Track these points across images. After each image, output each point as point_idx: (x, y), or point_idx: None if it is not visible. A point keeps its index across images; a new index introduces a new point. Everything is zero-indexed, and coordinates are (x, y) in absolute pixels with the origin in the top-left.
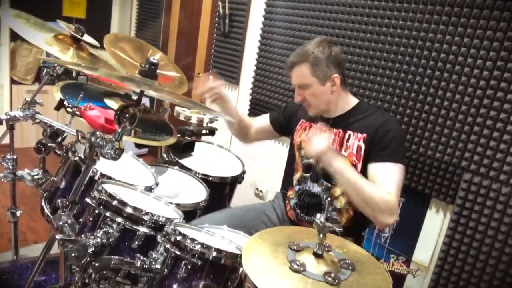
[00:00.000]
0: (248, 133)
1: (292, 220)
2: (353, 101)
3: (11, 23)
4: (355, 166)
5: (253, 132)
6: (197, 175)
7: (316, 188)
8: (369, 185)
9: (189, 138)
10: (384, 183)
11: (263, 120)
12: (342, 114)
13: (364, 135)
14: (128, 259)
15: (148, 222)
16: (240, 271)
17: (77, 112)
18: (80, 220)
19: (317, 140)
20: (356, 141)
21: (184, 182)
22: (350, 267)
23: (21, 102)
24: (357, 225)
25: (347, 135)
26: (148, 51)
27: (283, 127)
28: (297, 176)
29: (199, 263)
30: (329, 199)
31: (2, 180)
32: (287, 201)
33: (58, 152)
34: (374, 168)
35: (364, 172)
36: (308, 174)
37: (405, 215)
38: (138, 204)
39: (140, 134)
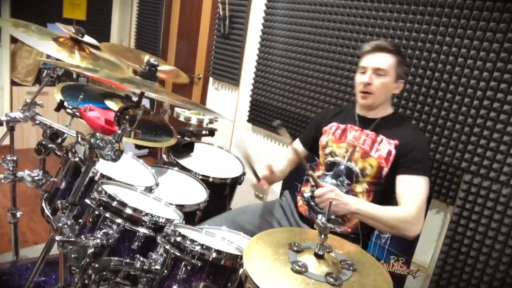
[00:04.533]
0: (290, 171)
1: (303, 216)
2: (390, 109)
3: (12, 32)
4: (381, 168)
5: (290, 165)
6: (197, 176)
7: (334, 184)
8: (385, 211)
9: (189, 139)
10: (407, 197)
11: (296, 148)
12: (380, 117)
13: (396, 141)
14: (127, 260)
15: (148, 223)
16: (240, 272)
17: (77, 114)
18: (80, 221)
19: (334, 204)
20: (387, 145)
21: (184, 183)
22: (351, 268)
23: (21, 103)
24: (366, 227)
25: (379, 139)
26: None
27: (313, 138)
28: (317, 173)
29: (199, 264)
30: (348, 194)
31: (3, 181)
32: (298, 197)
33: (58, 153)
34: (402, 181)
35: (390, 176)
36: (331, 172)
37: None
38: (138, 205)
39: (140, 135)
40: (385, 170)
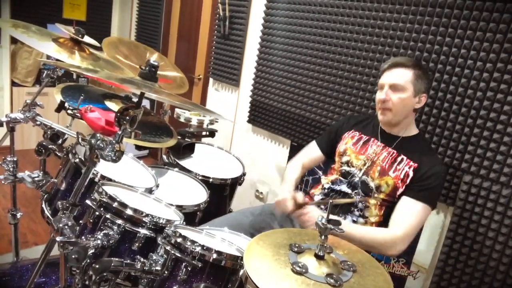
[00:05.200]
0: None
1: None
2: (415, 129)
3: (12, 33)
4: (397, 188)
5: (304, 170)
6: (197, 176)
7: (350, 192)
8: (367, 233)
9: (189, 140)
10: (398, 219)
11: (311, 152)
12: (403, 137)
13: (416, 164)
14: (128, 261)
15: (148, 224)
16: (241, 273)
17: (78, 114)
18: (80, 222)
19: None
20: (406, 167)
21: (184, 184)
22: (351, 269)
23: (21, 104)
24: None
25: (399, 159)
26: (146, 53)
27: (331, 143)
28: (331, 177)
29: (200, 265)
30: (361, 203)
31: (3, 182)
32: (307, 198)
33: (59, 154)
34: (403, 202)
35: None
36: (345, 179)
37: None
38: (138, 206)
39: (140, 136)
40: (400, 191)
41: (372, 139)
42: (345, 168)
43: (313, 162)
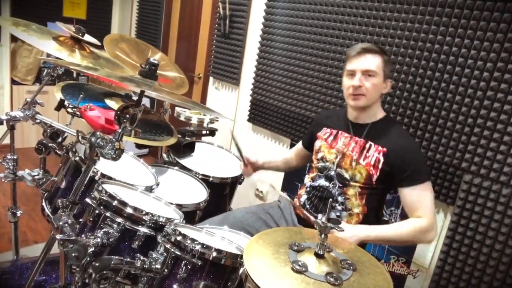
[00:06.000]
0: (293, 165)
1: (300, 218)
2: (382, 113)
3: (12, 31)
4: (371, 175)
5: (295, 160)
6: (197, 175)
7: (329, 186)
8: (400, 228)
9: (189, 139)
10: (417, 208)
11: (297, 146)
12: (372, 123)
13: (385, 149)
14: (128, 259)
15: (148, 222)
16: (241, 271)
17: (78, 113)
18: (80, 220)
19: (349, 237)
20: (376, 153)
21: (184, 183)
22: (351, 267)
23: (21, 102)
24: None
25: (367, 145)
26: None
27: (310, 141)
28: (312, 175)
29: (199, 263)
30: (340, 196)
31: (3, 180)
32: (296, 199)
33: (59, 152)
34: (406, 194)
35: (382, 180)
36: (323, 174)
37: (406, 216)
38: (138, 204)
39: (140, 135)
40: (375, 177)
41: (340, 132)
42: (321, 164)
43: (298, 156)
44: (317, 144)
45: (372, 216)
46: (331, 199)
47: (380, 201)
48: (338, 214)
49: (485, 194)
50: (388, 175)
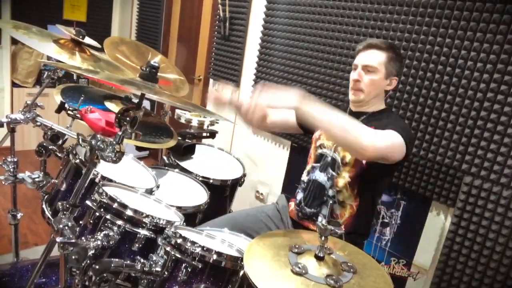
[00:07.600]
0: (268, 126)
1: (294, 220)
2: (382, 105)
3: (12, 34)
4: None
5: (269, 121)
6: (198, 177)
7: (322, 178)
8: (343, 114)
9: (189, 141)
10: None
11: (288, 116)
12: (371, 112)
13: (372, 127)
14: (128, 262)
15: (148, 225)
16: (241, 274)
17: (78, 115)
18: (80, 222)
19: (286, 91)
20: None
21: (184, 185)
22: (351, 270)
23: (22, 105)
24: (360, 224)
25: None
26: (148, 54)
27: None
28: (308, 167)
29: (200, 266)
30: (331, 189)
31: (3, 182)
32: (291, 199)
33: (59, 155)
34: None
35: (372, 170)
36: (318, 164)
37: (406, 218)
38: (138, 207)
39: (140, 137)
40: (364, 161)
41: None
42: (319, 151)
43: (284, 121)
44: (317, 132)
45: (367, 208)
46: (333, 189)
47: (373, 192)
48: (331, 202)
49: (485, 196)
50: None
